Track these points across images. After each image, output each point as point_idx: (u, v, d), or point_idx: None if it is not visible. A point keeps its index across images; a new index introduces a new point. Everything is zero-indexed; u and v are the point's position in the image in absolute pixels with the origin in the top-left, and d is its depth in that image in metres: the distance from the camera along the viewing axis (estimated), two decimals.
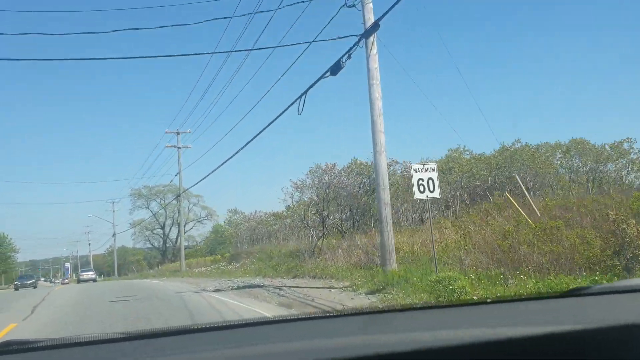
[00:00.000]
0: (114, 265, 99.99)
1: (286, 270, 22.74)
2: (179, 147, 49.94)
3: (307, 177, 26.00)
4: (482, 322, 1.95)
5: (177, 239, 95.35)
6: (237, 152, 26.81)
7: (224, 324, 2.05)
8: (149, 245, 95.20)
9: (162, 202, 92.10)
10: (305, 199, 26.56)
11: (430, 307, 2.46)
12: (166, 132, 49.92)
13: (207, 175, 44.66)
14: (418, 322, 2.10)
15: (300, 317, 2.24)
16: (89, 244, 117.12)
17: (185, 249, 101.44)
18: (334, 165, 24.75)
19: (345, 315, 2.38)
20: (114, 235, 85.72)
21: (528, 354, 1.55)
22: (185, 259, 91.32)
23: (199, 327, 1.99)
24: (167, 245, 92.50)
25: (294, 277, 20.81)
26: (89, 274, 62.92)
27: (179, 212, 57.73)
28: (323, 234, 24.37)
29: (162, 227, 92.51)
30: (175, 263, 78.54)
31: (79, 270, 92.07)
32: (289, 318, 2.18)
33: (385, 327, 2.01)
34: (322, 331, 1.97)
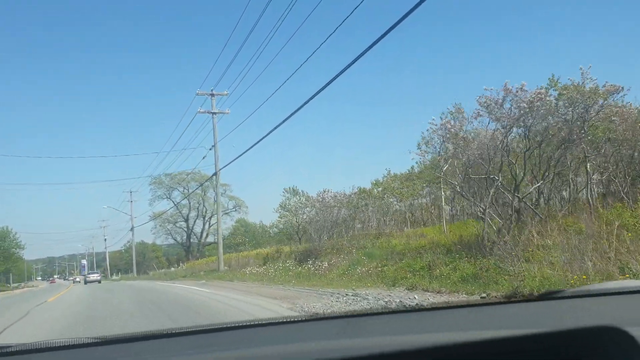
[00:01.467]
0: (132, 262, 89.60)
1: (450, 277, 11.90)
2: (214, 113, 38.94)
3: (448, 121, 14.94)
4: (450, 326, 2.00)
5: (202, 233, 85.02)
6: (296, 111, 15.84)
7: (204, 328, 2.03)
8: (171, 241, 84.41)
9: (185, 191, 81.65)
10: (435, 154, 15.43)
11: (402, 312, 2.38)
12: (198, 94, 38.91)
13: (253, 146, 33.58)
14: (391, 326, 2.10)
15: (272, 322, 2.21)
16: (105, 240, 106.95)
17: (210, 244, 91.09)
18: (522, 86, 13.60)
19: (319, 319, 2.29)
20: (132, 229, 75.09)
21: (495, 356, 1.52)
22: (201, 256, 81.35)
23: (178, 331, 1.97)
24: (192, 240, 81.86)
25: (481, 293, 9.98)
26: (94, 276, 68.06)
27: (215, 201, 46.43)
28: (514, 211, 13.18)
29: (186, 220, 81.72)
30: (201, 260, 67.85)
31: (86, 272, 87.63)
32: (262, 323, 2.16)
33: (358, 331, 2.00)
34: (291, 336, 1.99)
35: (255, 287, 18.69)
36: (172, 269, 77.43)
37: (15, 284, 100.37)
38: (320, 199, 28.33)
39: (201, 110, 38.51)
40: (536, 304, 2.29)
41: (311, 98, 16.99)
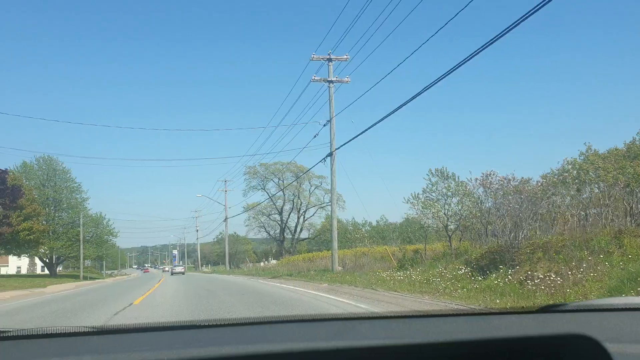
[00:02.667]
0: (223, 254, 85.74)
1: None
2: (331, 81, 32.35)
3: None
4: (433, 334, 1.98)
5: (295, 227, 79.34)
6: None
7: (184, 324, 2.04)
8: (264, 234, 79.39)
9: (280, 182, 76.28)
10: None
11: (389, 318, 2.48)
12: (313, 59, 32.54)
13: (382, 120, 25.89)
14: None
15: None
16: (197, 230, 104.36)
17: (303, 239, 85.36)
18: None
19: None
20: (225, 219, 70.51)
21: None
22: (294, 252, 75.16)
23: (163, 325, 2.00)
24: (286, 234, 76.39)
25: None
26: (179, 269, 67.70)
27: (331, 187, 39.72)
28: None
29: (280, 213, 76.37)
30: (296, 256, 61.90)
31: (176, 263, 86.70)
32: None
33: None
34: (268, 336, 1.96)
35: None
36: (262, 263, 72.54)
37: (109, 272, 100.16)
38: (488, 184, 20.70)
39: (316, 78, 31.89)
40: (534, 316, 2.32)
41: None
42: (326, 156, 31.09)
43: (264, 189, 74.69)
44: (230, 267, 72.20)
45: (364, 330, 2.06)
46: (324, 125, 31.79)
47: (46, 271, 72.84)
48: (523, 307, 2.81)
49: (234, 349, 1.54)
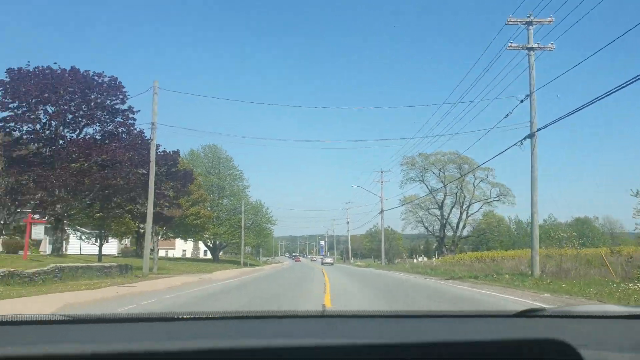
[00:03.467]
0: (377, 248, 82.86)
1: None
2: (531, 49, 27.08)
3: None
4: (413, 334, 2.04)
5: (458, 223, 73.52)
6: None
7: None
8: (421, 229, 74.86)
9: (442, 174, 71.10)
10: None
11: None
12: (508, 22, 27.51)
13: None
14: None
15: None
16: (347, 222, 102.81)
17: (466, 237, 79.35)
18: None
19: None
20: (381, 212, 67.31)
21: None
22: (454, 250, 69.44)
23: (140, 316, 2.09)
24: (446, 231, 71.18)
25: None
26: (328, 260, 68.98)
27: (532, 175, 33.32)
28: None
29: (440, 207, 71.39)
30: (462, 255, 56.65)
31: (324, 254, 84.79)
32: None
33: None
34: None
35: None
36: (414, 260, 68.16)
37: (264, 259, 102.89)
38: None
39: (512, 45, 26.86)
40: (510, 320, 2.36)
41: None
42: (525, 137, 25.86)
43: (422, 181, 70.19)
44: (387, 264, 68.80)
45: (341, 329, 2.12)
46: (522, 101, 26.56)
47: (208, 255, 75.52)
48: (499, 311, 2.87)
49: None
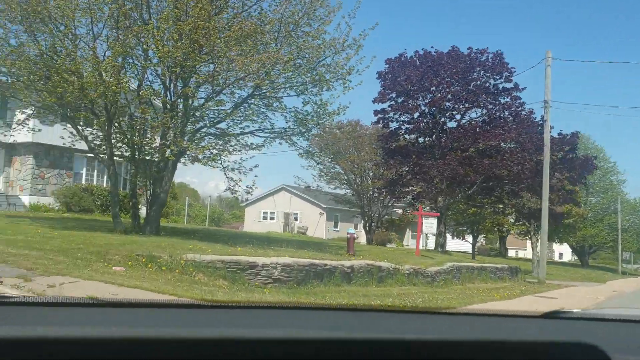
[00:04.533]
0: None
1: None
2: None
3: None
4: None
5: None
6: None
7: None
8: None
9: None
10: None
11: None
12: None
13: None
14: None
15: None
16: None
17: None
18: None
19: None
20: None
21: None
22: None
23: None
24: None
25: None
26: None
27: None
28: None
29: None
30: None
31: None
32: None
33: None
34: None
35: None
36: None
37: (635, 266, 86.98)
38: None
39: None
40: (538, 321, 2.33)
41: None
42: None
43: None
44: None
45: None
46: None
47: (564, 258, 67.38)
48: (526, 311, 2.82)
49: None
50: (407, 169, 27.26)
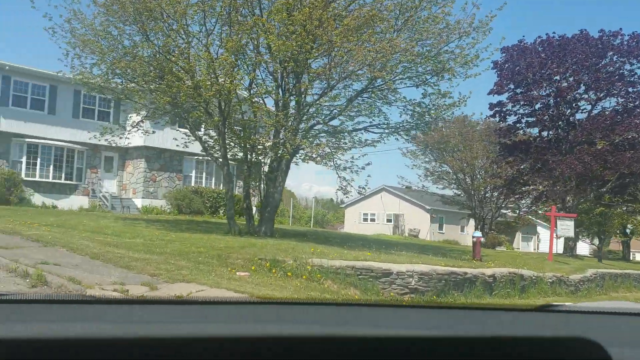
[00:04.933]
0: None
1: None
2: None
3: None
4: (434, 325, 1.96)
5: None
6: None
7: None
8: None
9: None
10: None
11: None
12: None
13: None
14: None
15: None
16: None
17: None
18: None
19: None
20: None
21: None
22: None
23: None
24: None
25: None
26: None
27: None
28: None
29: None
30: None
31: None
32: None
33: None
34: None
35: None
36: None
37: None
38: None
39: None
40: (532, 315, 2.28)
41: None
42: None
43: None
44: None
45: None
46: None
47: None
48: (520, 305, 2.72)
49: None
50: (527, 166, 24.99)
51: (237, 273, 9.48)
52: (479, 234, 16.68)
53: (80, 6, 14.61)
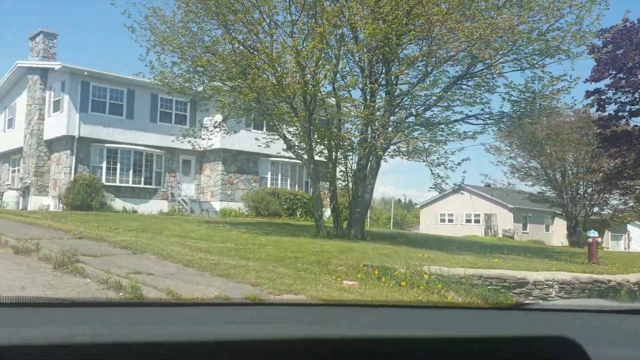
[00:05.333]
0: None
1: None
2: None
3: None
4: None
5: None
6: None
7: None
8: None
9: None
10: None
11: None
12: None
13: None
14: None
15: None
16: None
17: None
18: None
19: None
20: None
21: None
22: None
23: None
24: None
25: None
26: None
27: None
28: None
29: None
30: None
31: None
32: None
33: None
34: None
35: None
36: None
37: None
38: None
39: None
40: (508, 313, 2.21)
41: None
42: None
43: None
44: None
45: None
46: None
47: None
48: (493, 303, 2.66)
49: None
50: (632, 158, 22.53)
51: (344, 282, 8.34)
52: (594, 233, 14.74)
53: (159, 3, 13.99)
